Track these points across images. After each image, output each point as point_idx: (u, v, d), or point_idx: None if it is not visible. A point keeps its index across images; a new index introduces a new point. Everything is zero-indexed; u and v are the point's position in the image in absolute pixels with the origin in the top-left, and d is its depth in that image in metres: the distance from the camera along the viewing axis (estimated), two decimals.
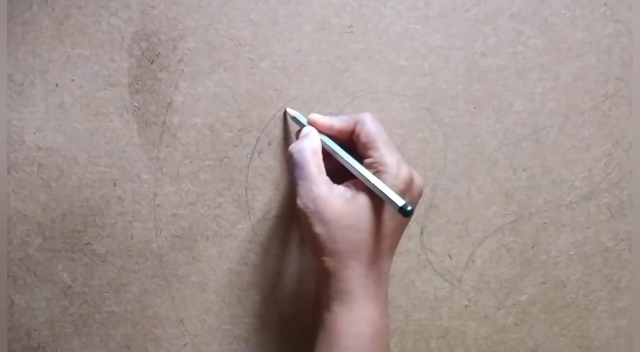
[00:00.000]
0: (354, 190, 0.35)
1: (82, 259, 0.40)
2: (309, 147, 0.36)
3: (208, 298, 0.42)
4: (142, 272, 0.41)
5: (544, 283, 0.45)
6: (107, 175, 0.40)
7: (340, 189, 0.35)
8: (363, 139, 0.35)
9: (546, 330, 0.46)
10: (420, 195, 0.37)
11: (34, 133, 0.38)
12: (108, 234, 0.40)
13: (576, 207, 0.44)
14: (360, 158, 0.36)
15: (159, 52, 0.39)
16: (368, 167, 0.35)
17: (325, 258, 0.34)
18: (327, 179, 0.35)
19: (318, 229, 0.34)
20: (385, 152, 0.35)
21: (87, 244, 0.40)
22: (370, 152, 0.35)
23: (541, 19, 0.42)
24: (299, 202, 0.35)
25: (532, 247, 0.45)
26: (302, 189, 0.35)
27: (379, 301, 0.35)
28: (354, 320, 0.34)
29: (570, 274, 0.45)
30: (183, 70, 0.39)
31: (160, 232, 0.41)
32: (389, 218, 0.35)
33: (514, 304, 0.45)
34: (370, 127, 0.36)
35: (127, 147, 0.39)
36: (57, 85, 0.38)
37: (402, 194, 0.34)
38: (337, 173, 0.36)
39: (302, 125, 0.39)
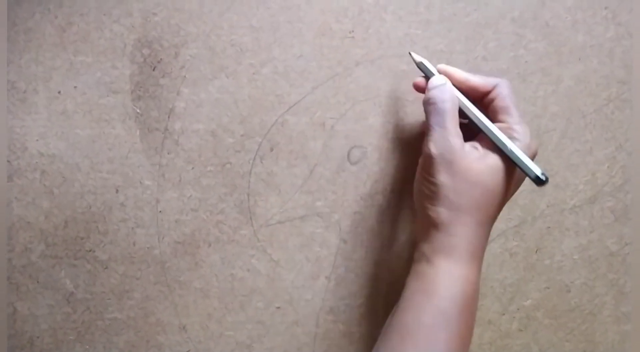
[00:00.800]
0: (483, 149, 0.35)
1: (84, 266, 0.40)
2: (451, 98, 0.35)
3: (211, 304, 0.42)
4: (145, 278, 0.41)
5: (548, 288, 0.45)
6: (109, 181, 0.40)
7: (468, 146, 0.35)
8: (500, 102, 0.36)
9: (551, 335, 0.46)
10: None
11: (37, 140, 0.39)
12: (110, 241, 0.40)
13: (580, 211, 0.44)
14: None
15: (161, 59, 0.39)
16: (500, 129, 0.35)
17: (442, 209, 0.34)
18: (461, 133, 0.35)
19: (444, 178, 0.34)
20: (518, 120, 0.35)
21: (90, 250, 0.40)
22: (505, 117, 0.35)
23: (542, 23, 0.42)
24: (432, 147, 0.34)
25: (536, 252, 0.45)
26: (439, 136, 0.34)
27: (480, 264, 0.35)
28: (458, 276, 0.34)
29: (574, 278, 0.45)
30: (185, 76, 0.39)
31: (163, 238, 0.41)
32: (514, 184, 0.36)
33: (518, 309, 0.45)
34: (508, 91, 0.36)
35: (129, 153, 0.40)
36: (59, 92, 0.38)
37: None
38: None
39: (430, 74, 0.38)
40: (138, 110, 0.39)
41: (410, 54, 0.39)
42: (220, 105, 0.40)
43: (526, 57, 0.42)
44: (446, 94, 0.35)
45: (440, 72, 0.37)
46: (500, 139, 0.35)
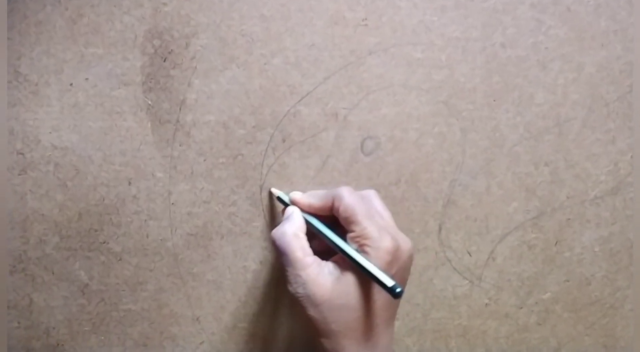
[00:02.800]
0: (343, 266, 0.34)
1: (98, 258, 0.40)
2: (290, 230, 0.35)
3: (224, 296, 0.42)
4: (158, 270, 0.41)
5: (568, 281, 0.44)
6: (121, 174, 0.40)
7: (329, 266, 0.35)
8: (342, 214, 0.35)
9: (570, 329, 0.45)
10: (411, 259, 0.36)
11: (50, 133, 0.39)
12: (124, 233, 0.40)
13: (601, 202, 0.43)
14: (344, 232, 0.35)
15: (172, 50, 0.39)
16: (352, 241, 0.34)
17: (322, 339, 0.34)
18: (315, 258, 0.35)
19: (311, 312, 0.33)
20: (366, 225, 0.34)
21: (104, 242, 0.40)
22: (352, 226, 0.34)
23: (563, 8, 0.41)
24: (289, 287, 0.34)
25: (555, 244, 0.43)
26: (290, 275, 0.34)
27: None
28: None
29: (595, 271, 0.44)
30: (196, 67, 0.39)
31: (175, 230, 0.41)
32: (378, 293, 0.34)
33: (536, 303, 0.44)
34: (348, 201, 0.35)
35: (141, 145, 0.39)
36: (71, 84, 0.38)
37: (388, 265, 0.33)
38: (328, 248, 0.35)
39: (286, 205, 0.39)
40: (149, 102, 0.39)
41: (270, 190, 0.40)
42: (231, 96, 0.39)
43: (546, 43, 0.41)
44: (284, 227, 0.35)
45: (291, 202, 0.38)
46: (349, 255, 0.33)
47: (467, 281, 0.43)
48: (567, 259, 0.44)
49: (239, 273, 0.42)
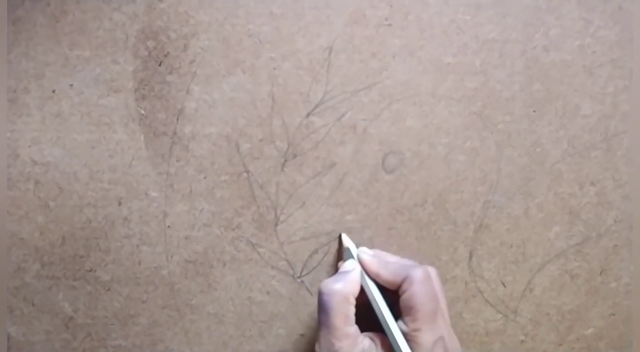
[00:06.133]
0: (380, 346, 0.31)
1: (84, 288, 0.36)
2: (342, 292, 0.31)
3: (226, 331, 0.37)
4: (152, 301, 0.36)
5: (614, 314, 0.39)
6: (111, 193, 0.35)
7: (365, 343, 0.31)
8: (406, 300, 0.31)
9: None
10: None
11: (29, 146, 0.34)
12: (113, 260, 0.36)
13: None
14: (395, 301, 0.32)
15: (168, 52, 0.34)
16: (403, 334, 0.31)
17: None
18: (355, 330, 0.32)
19: None
20: (423, 328, 0.30)
21: (90, 270, 0.36)
22: (407, 318, 0.31)
23: (614, 6, 0.36)
24: (316, 347, 0.31)
25: (600, 274, 0.39)
26: (323, 338, 0.31)
27: None
28: None
29: None
30: (195, 72, 0.34)
31: (172, 257, 0.36)
32: None
33: (577, 339, 0.39)
34: (417, 289, 0.31)
35: (133, 161, 0.35)
36: (54, 91, 0.34)
37: None
38: (368, 306, 0.33)
39: (349, 256, 0.35)
40: (142, 112, 0.35)
41: (340, 235, 0.36)
42: (236, 105, 0.35)
43: (594, 46, 0.36)
44: (336, 285, 0.31)
45: (358, 258, 0.34)
46: (397, 344, 0.30)
47: (501, 315, 0.39)
48: (613, 290, 0.39)
49: (244, 305, 0.37)
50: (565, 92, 0.37)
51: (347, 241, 0.36)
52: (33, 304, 0.36)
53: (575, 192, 0.38)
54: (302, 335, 0.38)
